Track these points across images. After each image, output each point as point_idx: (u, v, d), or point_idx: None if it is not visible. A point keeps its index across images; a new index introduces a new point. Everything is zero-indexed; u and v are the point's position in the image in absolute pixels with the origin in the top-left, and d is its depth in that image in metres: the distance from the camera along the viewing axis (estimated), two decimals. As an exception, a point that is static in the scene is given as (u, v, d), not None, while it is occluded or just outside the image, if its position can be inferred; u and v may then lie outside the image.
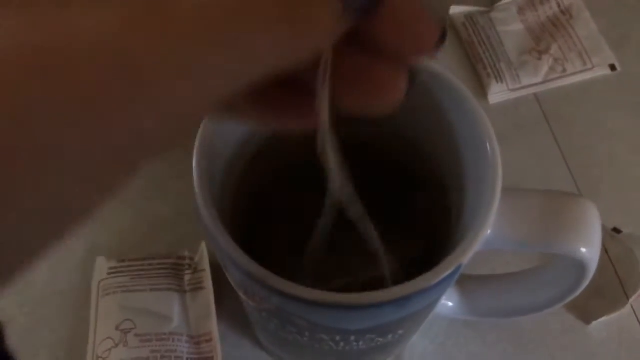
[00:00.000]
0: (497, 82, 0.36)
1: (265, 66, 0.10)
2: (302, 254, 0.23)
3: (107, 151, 0.09)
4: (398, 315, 0.18)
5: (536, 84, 0.36)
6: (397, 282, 0.17)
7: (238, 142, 0.22)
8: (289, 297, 0.17)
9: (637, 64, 0.37)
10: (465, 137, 0.20)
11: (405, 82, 0.12)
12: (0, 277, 0.10)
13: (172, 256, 0.30)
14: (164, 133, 0.10)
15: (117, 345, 0.27)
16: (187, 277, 0.29)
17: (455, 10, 0.39)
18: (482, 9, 0.39)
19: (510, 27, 0.38)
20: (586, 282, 0.21)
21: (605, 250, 0.31)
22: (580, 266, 0.20)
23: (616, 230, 0.31)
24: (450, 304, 0.27)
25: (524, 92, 0.36)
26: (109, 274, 0.29)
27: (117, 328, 0.28)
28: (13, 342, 0.30)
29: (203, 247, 0.30)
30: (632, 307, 0.30)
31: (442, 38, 0.36)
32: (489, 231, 0.19)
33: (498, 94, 0.36)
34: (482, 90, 0.36)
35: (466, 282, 0.26)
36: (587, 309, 0.30)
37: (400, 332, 0.21)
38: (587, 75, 0.37)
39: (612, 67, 0.37)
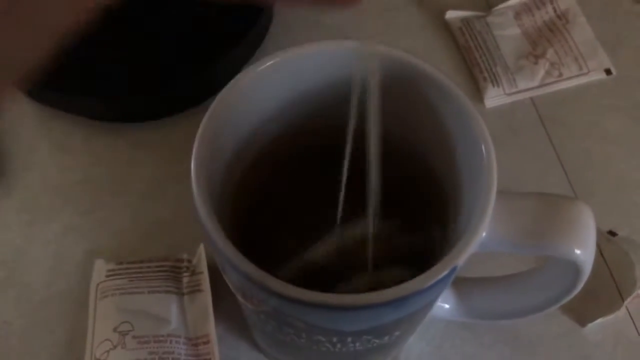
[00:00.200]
0: (494, 86, 0.36)
1: None
2: (301, 256, 0.23)
3: None
4: (394, 317, 0.19)
5: (532, 88, 0.37)
6: (393, 283, 0.17)
7: (237, 144, 0.22)
8: (285, 298, 0.17)
9: (632, 68, 0.37)
10: (460, 139, 0.20)
11: None
12: None
13: (170, 259, 0.30)
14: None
15: (115, 347, 0.27)
16: (185, 280, 0.29)
17: (452, 14, 0.39)
18: (478, 13, 0.39)
19: (507, 31, 0.38)
20: (581, 284, 0.22)
21: (600, 252, 0.31)
22: (574, 268, 0.21)
23: (611, 233, 0.32)
24: (447, 306, 0.27)
25: (520, 96, 0.36)
26: (107, 276, 0.30)
27: (115, 330, 0.28)
28: (12, 343, 0.31)
29: (201, 250, 0.30)
30: (627, 310, 0.30)
31: None
32: (484, 233, 0.19)
33: (494, 98, 0.36)
34: (478, 94, 0.36)
35: (462, 284, 0.27)
36: (582, 311, 0.30)
37: (397, 333, 0.21)
38: (583, 80, 0.37)
39: (608, 72, 0.37)
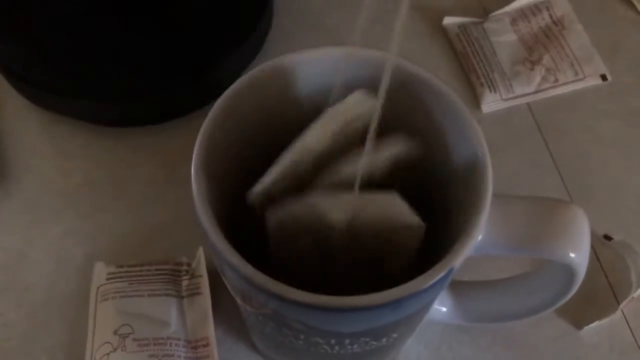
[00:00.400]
0: (491, 91, 0.37)
1: None
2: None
3: None
4: (391, 318, 0.19)
5: (529, 94, 0.37)
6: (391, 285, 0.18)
7: (238, 149, 0.23)
8: (284, 300, 0.17)
9: (628, 74, 0.38)
10: (455, 143, 0.21)
11: None
12: None
13: (170, 262, 0.30)
14: None
15: (115, 350, 0.28)
16: (184, 283, 0.30)
17: (449, 21, 0.39)
18: (475, 19, 0.39)
19: (503, 37, 0.38)
20: (576, 287, 0.22)
21: (596, 256, 0.32)
22: (569, 271, 0.21)
23: (607, 237, 0.32)
24: (444, 309, 0.27)
25: (516, 102, 0.37)
26: (107, 279, 0.30)
27: (115, 333, 0.28)
28: (12, 345, 0.31)
29: (200, 253, 0.30)
30: (623, 313, 0.30)
31: None
32: (480, 236, 0.19)
33: (491, 103, 0.37)
34: (475, 100, 0.37)
35: (459, 288, 0.27)
36: (578, 315, 0.30)
37: (395, 335, 0.21)
38: (579, 85, 0.37)
39: (603, 77, 0.38)
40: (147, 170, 0.34)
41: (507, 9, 0.39)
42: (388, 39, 0.18)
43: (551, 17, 0.39)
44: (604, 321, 0.30)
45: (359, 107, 0.20)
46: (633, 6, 0.40)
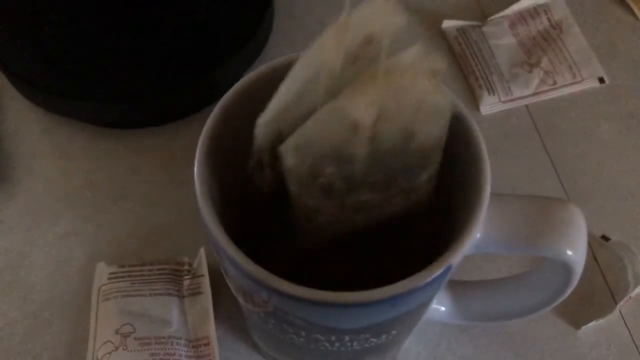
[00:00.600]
0: (489, 94, 0.37)
1: None
2: (303, 256, 0.24)
3: None
4: (390, 315, 0.19)
5: (527, 96, 0.37)
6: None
7: (239, 150, 0.23)
8: (285, 295, 0.17)
9: (625, 76, 0.38)
10: (453, 142, 0.21)
11: None
12: None
13: (171, 262, 0.30)
14: None
15: (116, 349, 0.28)
16: (185, 282, 0.30)
17: (448, 24, 0.40)
18: (474, 23, 0.40)
19: (502, 40, 0.39)
20: (573, 285, 0.22)
21: (594, 257, 0.32)
22: (567, 269, 0.21)
23: (605, 238, 0.32)
24: (443, 308, 0.27)
25: (515, 104, 0.37)
26: (109, 279, 0.30)
27: (116, 332, 0.28)
28: (15, 344, 0.31)
29: (202, 253, 0.30)
30: (620, 313, 0.31)
31: None
32: (478, 234, 0.20)
33: (490, 105, 0.37)
34: (474, 102, 0.37)
35: (458, 287, 0.27)
36: (576, 314, 0.30)
37: (394, 332, 0.22)
38: (577, 88, 0.38)
39: (601, 80, 0.38)
40: (149, 171, 0.34)
41: (506, 12, 0.40)
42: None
43: (549, 20, 0.40)
44: (602, 321, 0.30)
45: (378, 20, 0.17)
46: (631, 10, 0.41)
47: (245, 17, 0.37)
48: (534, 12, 0.40)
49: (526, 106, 0.37)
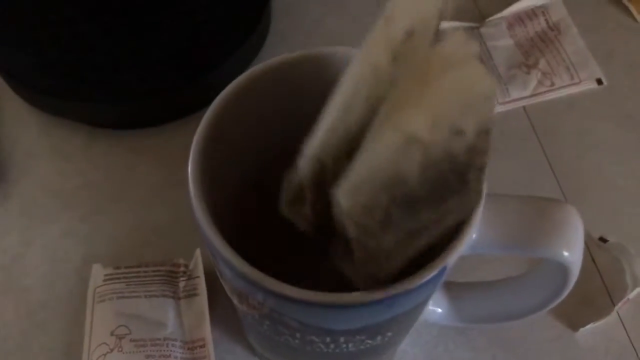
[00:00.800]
0: (487, 95, 0.37)
1: None
2: (299, 260, 0.24)
3: None
4: (385, 316, 0.19)
5: (525, 98, 0.37)
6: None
7: (235, 149, 0.23)
8: (278, 296, 0.17)
9: (623, 78, 0.38)
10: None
11: None
12: None
13: (167, 263, 0.30)
14: None
15: (112, 351, 0.28)
16: (181, 284, 0.30)
17: (445, 25, 0.40)
18: (472, 24, 0.40)
19: (500, 42, 0.39)
20: (570, 285, 0.22)
21: (592, 259, 0.32)
22: (563, 270, 0.21)
23: (602, 239, 0.32)
24: (440, 310, 0.27)
25: (512, 105, 0.37)
26: (104, 280, 0.30)
27: (112, 333, 0.28)
28: (9, 346, 0.31)
29: (197, 255, 0.30)
30: (618, 314, 0.30)
31: None
32: (473, 235, 0.19)
33: (488, 106, 0.37)
34: (472, 103, 0.37)
35: (455, 289, 0.27)
36: (574, 316, 0.30)
37: (389, 334, 0.21)
38: (575, 89, 0.38)
39: (599, 81, 0.38)
40: (146, 172, 0.34)
41: (504, 13, 0.40)
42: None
43: (547, 22, 0.40)
44: (600, 323, 0.30)
45: (417, 9, 0.15)
46: (629, 11, 0.41)
47: (242, 18, 0.37)
48: (531, 14, 0.40)
49: (524, 107, 0.37)
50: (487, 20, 0.40)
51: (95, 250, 0.32)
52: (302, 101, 0.23)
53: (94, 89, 0.35)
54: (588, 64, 0.38)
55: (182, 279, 0.30)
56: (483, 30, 0.39)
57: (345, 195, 0.15)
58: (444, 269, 0.18)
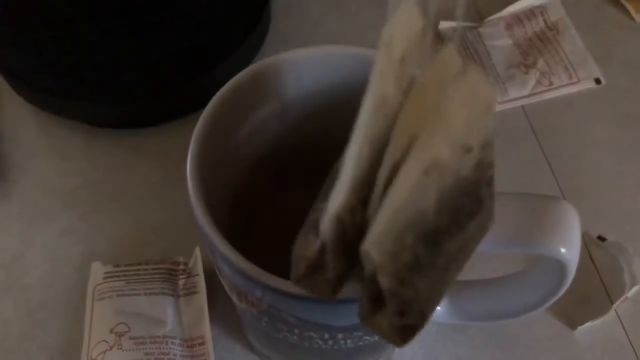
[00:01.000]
0: (486, 94, 0.37)
1: None
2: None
3: None
4: (383, 312, 0.19)
5: (523, 97, 0.37)
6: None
7: (234, 146, 0.23)
8: (276, 291, 0.17)
9: (621, 78, 0.38)
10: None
11: None
12: None
13: (166, 261, 0.30)
14: None
15: (111, 348, 0.28)
16: (181, 282, 0.30)
17: (444, 25, 0.40)
18: (470, 24, 0.40)
19: (498, 41, 0.39)
20: (567, 283, 0.22)
21: (590, 257, 0.32)
22: (560, 267, 0.21)
23: (601, 238, 0.32)
24: (438, 308, 0.27)
25: (511, 105, 0.37)
26: (104, 278, 0.30)
27: (111, 331, 0.28)
28: (9, 344, 0.31)
29: (197, 253, 0.30)
30: (617, 313, 0.30)
31: None
32: (471, 231, 0.19)
33: (486, 106, 0.37)
34: (470, 103, 0.37)
35: (453, 287, 0.27)
36: (572, 315, 0.30)
37: (387, 330, 0.21)
38: (573, 89, 0.38)
39: (597, 81, 0.38)
40: (145, 171, 0.34)
41: (502, 13, 0.40)
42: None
43: (545, 22, 0.40)
44: (598, 321, 0.30)
45: (403, 35, 0.14)
46: (626, 11, 0.41)
47: (242, 18, 0.38)
48: (530, 14, 0.40)
49: (522, 107, 0.37)
50: (486, 20, 0.40)
51: (94, 248, 0.32)
52: (300, 98, 0.23)
53: (94, 88, 0.35)
54: (586, 63, 0.38)
55: (181, 276, 0.30)
56: (481, 30, 0.39)
57: (375, 247, 0.14)
58: (441, 265, 0.18)
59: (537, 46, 0.39)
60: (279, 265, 0.21)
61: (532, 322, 0.30)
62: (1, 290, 0.31)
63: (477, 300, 0.27)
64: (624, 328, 0.30)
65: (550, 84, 0.38)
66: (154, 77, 0.35)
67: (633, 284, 0.31)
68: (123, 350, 0.28)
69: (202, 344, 0.28)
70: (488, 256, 0.31)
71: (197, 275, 0.30)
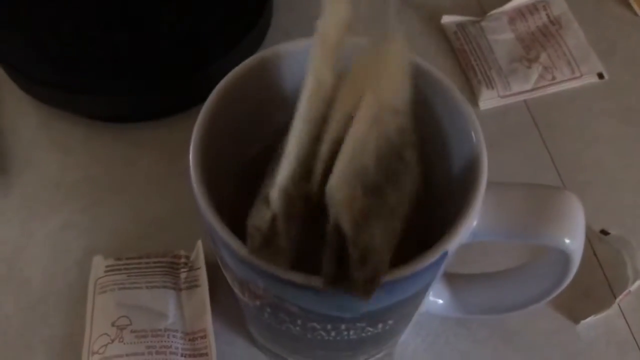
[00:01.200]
0: (488, 88, 0.37)
1: None
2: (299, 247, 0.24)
3: None
4: (387, 302, 0.19)
5: (526, 91, 0.37)
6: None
7: (236, 137, 0.23)
8: (278, 280, 0.17)
9: (624, 72, 0.38)
10: (451, 129, 0.21)
11: None
12: None
13: (168, 254, 0.30)
14: None
15: (112, 341, 0.28)
16: (182, 275, 0.30)
17: (447, 19, 0.40)
18: (473, 18, 0.40)
19: (501, 36, 0.39)
20: (571, 274, 0.22)
21: (593, 251, 0.32)
22: (565, 257, 0.21)
23: (604, 232, 0.32)
24: (441, 301, 0.27)
25: (514, 99, 0.37)
26: (105, 271, 0.30)
27: (113, 324, 0.28)
28: (11, 337, 0.31)
29: (199, 246, 0.30)
30: (619, 307, 0.30)
31: None
32: (474, 222, 0.19)
33: (488, 100, 0.37)
34: (473, 97, 0.37)
35: (456, 280, 0.27)
36: (575, 309, 0.30)
37: (390, 322, 0.21)
38: (576, 83, 0.38)
39: (600, 76, 0.38)
40: (146, 164, 0.34)
41: (505, 8, 0.40)
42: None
43: (548, 16, 0.40)
44: (601, 315, 0.30)
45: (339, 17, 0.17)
46: (629, 5, 0.41)
47: (244, 11, 0.37)
48: (532, 8, 0.40)
49: (525, 101, 0.37)
50: (489, 14, 0.40)
51: (96, 242, 0.32)
52: (299, 90, 0.23)
53: (95, 82, 0.35)
54: (589, 58, 0.38)
55: (183, 270, 0.30)
56: (484, 24, 0.39)
57: (337, 188, 0.16)
58: (445, 254, 0.18)
59: (539, 40, 0.39)
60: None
61: (535, 316, 0.30)
62: (2, 284, 0.31)
63: (480, 294, 0.27)
64: (626, 322, 0.30)
65: (553, 78, 0.38)
66: (154, 71, 0.35)
67: (636, 278, 0.30)
68: (124, 344, 0.27)
69: (204, 337, 0.28)
70: (491, 250, 0.31)
71: (199, 268, 0.30)
